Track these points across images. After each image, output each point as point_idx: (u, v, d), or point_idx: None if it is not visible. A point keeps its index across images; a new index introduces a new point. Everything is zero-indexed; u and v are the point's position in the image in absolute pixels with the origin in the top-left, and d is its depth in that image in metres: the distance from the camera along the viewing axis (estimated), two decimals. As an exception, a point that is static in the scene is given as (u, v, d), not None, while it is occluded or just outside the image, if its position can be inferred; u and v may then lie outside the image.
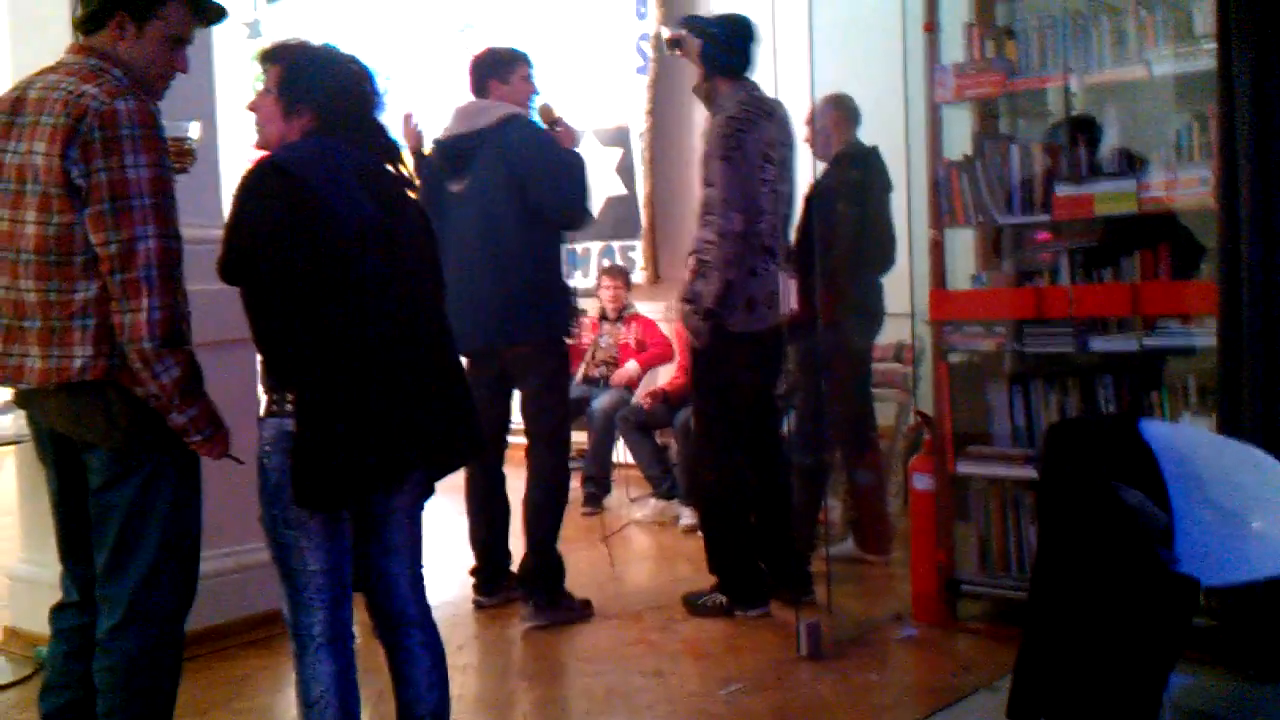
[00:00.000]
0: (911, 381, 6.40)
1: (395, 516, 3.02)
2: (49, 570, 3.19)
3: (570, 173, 5.03)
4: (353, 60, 3.01)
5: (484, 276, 4.91)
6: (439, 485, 3.12)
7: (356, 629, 3.00)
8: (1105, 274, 4.48)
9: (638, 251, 8.49)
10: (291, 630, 2.92)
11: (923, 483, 4.83)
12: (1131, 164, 4.50)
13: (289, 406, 2.80)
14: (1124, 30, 4.52)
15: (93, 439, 2.87)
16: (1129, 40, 4.51)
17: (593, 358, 7.69)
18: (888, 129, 5.35)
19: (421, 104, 5.64)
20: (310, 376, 2.77)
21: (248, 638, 4.75)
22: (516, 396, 5.22)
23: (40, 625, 3.20)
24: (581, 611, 5.11)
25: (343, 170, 2.85)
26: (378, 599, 3.06)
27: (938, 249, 4.78)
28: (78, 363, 2.80)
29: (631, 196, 8.42)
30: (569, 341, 5.28)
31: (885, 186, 5.68)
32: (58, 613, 3.09)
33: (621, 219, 8.45)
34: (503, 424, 5.25)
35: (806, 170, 5.39)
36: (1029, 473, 4.48)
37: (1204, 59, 4.20)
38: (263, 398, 2.90)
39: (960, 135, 4.95)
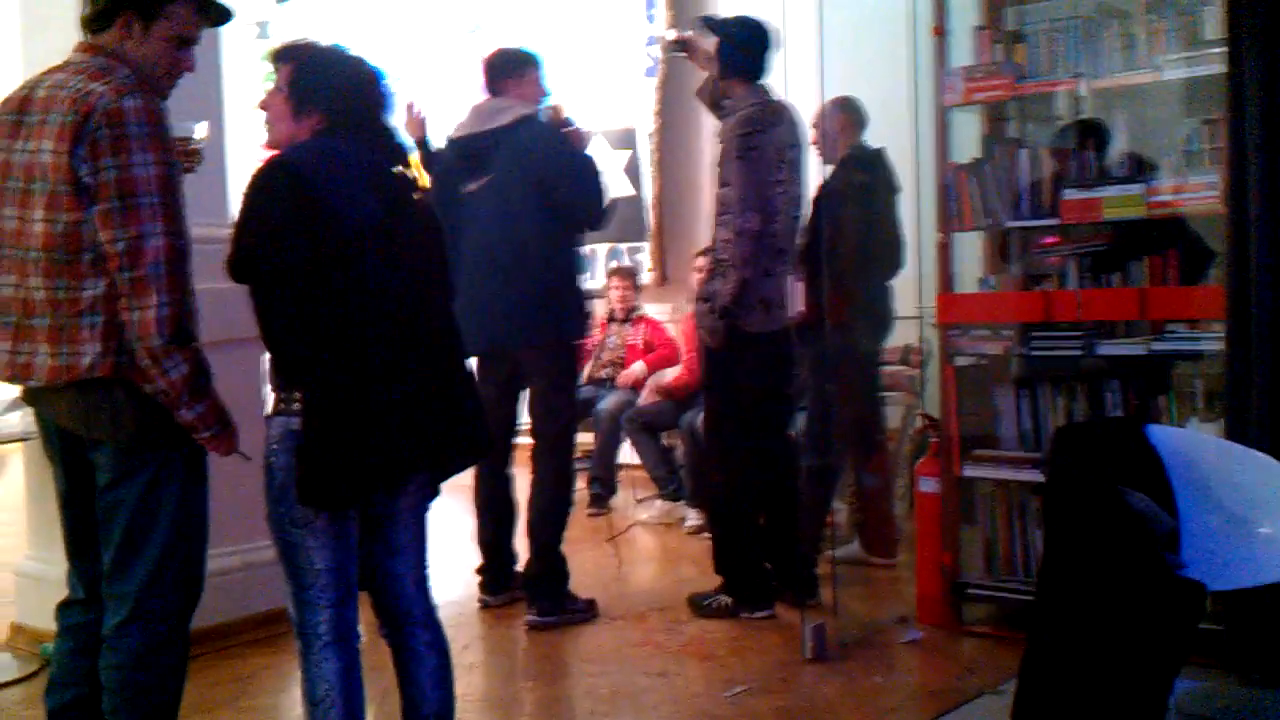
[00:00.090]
0: (919, 384, 6.40)
1: (401, 516, 3.03)
2: (56, 567, 3.19)
3: (590, 174, 5.04)
4: (362, 61, 3.02)
5: (502, 277, 4.90)
6: (445, 485, 3.12)
7: (361, 628, 3.00)
8: (1113, 278, 4.47)
9: (644, 253, 8.49)
10: (297, 629, 2.92)
11: (929, 485, 4.83)
12: (1140, 169, 4.49)
13: (296, 405, 2.80)
14: (1133, 35, 4.51)
15: (100, 436, 2.88)
16: (1138, 45, 4.50)
17: (599, 358, 7.70)
18: (896, 132, 5.36)
19: (430, 104, 5.63)
20: (316, 376, 2.78)
21: (253, 636, 4.75)
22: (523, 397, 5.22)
23: (46, 622, 3.20)
24: (586, 612, 5.11)
25: (351, 171, 2.86)
26: (383, 598, 3.06)
27: (945, 252, 4.78)
28: (86, 360, 2.81)
29: (639, 198, 8.42)
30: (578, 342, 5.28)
31: (892, 189, 5.69)
32: (64, 610, 3.10)
33: (629, 220, 8.45)
34: (511, 425, 5.24)
35: (814, 173, 5.39)
36: (1035, 476, 4.47)
37: (1213, 64, 4.19)
38: (270, 396, 2.91)
39: (969, 139, 4.96)
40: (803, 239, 5.24)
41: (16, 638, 4.83)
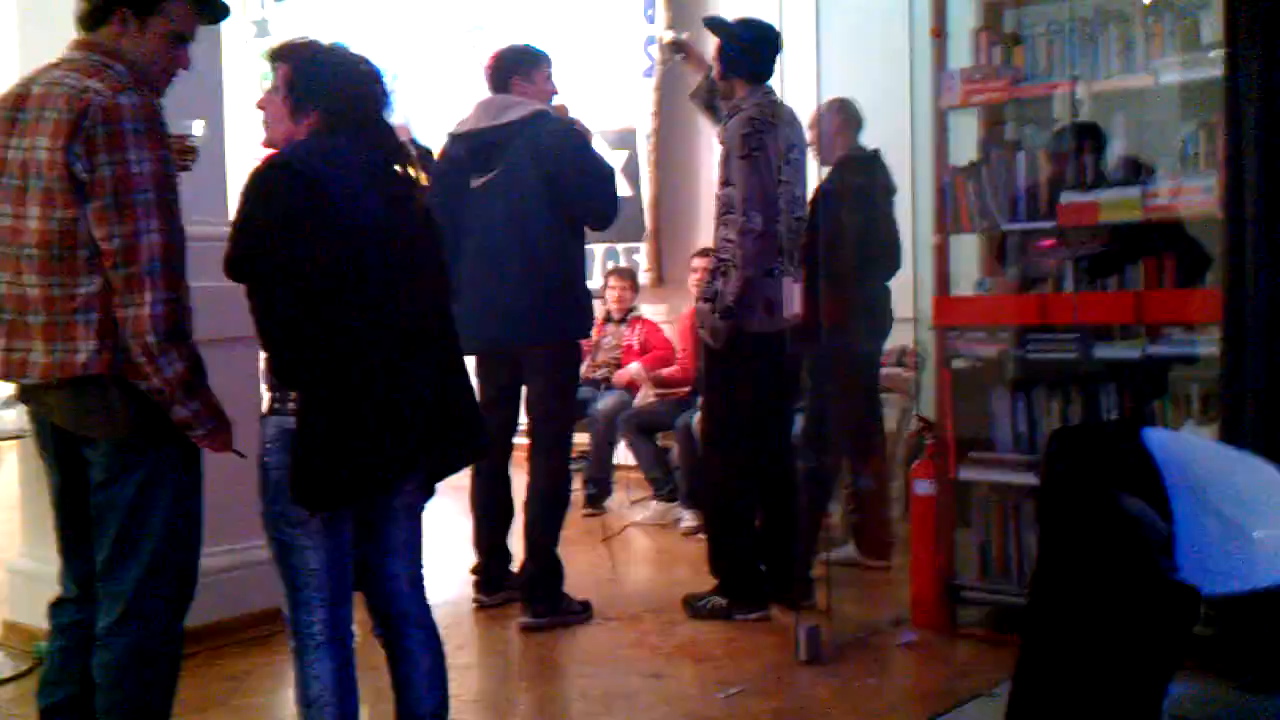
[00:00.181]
0: (914, 386, 6.40)
1: (396, 516, 3.03)
2: (49, 565, 3.19)
3: (604, 170, 5.04)
4: (361, 60, 3.02)
5: (508, 274, 4.89)
6: (440, 485, 3.12)
7: (356, 628, 3.00)
8: (1109, 282, 4.47)
9: (641, 254, 8.49)
10: (291, 628, 2.92)
11: (924, 488, 4.83)
12: (1137, 172, 4.49)
13: (291, 405, 2.80)
14: (1132, 38, 4.52)
15: (95, 434, 2.88)
16: (1136, 48, 4.51)
17: (594, 359, 7.69)
18: (894, 134, 5.36)
19: (430, 103, 5.63)
20: (313, 375, 2.78)
21: (247, 635, 4.74)
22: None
23: (40, 620, 3.20)
24: (581, 613, 5.11)
25: (350, 170, 2.85)
26: (378, 598, 3.06)
27: (942, 254, 4.78)
28: (81, 357, 2.80)
29: (636, 198, 8.42)
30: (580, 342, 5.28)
31: (888, 190, 5.69)
32: (56, 608, 3.09)
33: (626, 221, 8.42)
34: (512, 425, 5.23)
35: (811, 175, 5.39)
36: (1030, 479, 4.47)
37: (1211, 68, 4.19)
38: (266, 395, 2.90)
39: (966, 141, 4.96)
40: (801, 240, 5.25)
41: (10, 636, 4.82)
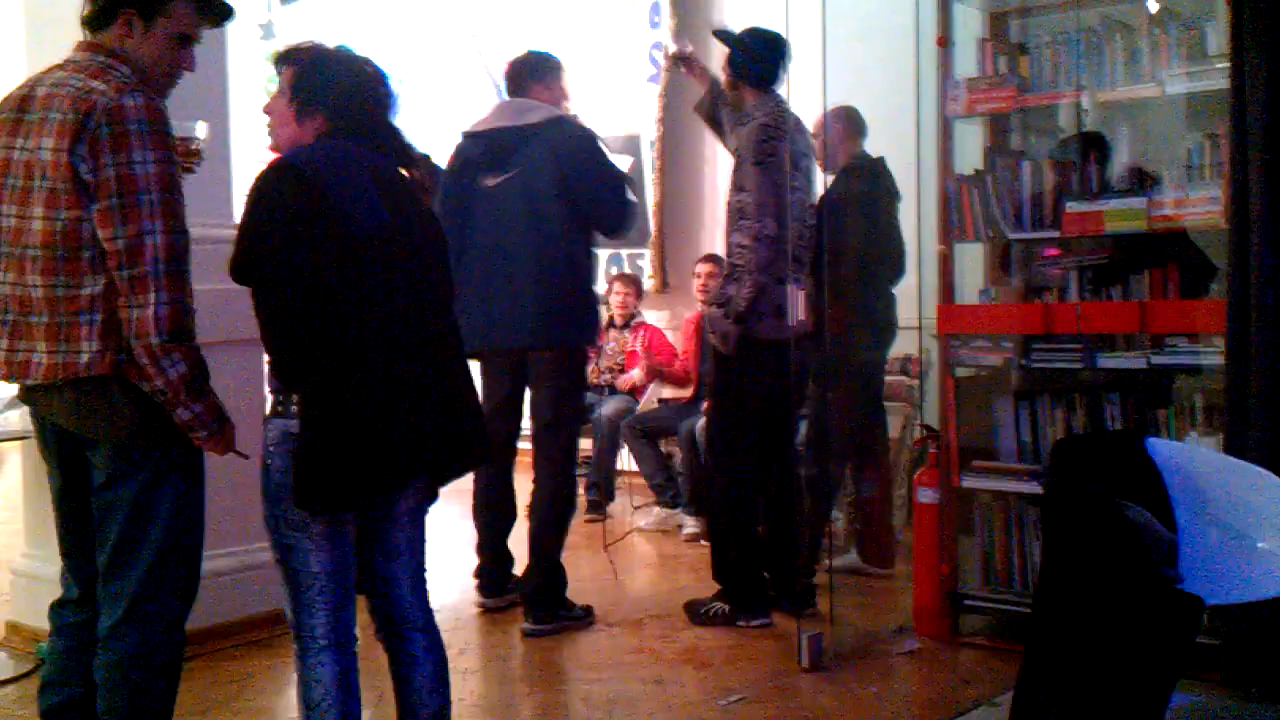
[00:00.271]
0: (918, 394, 6.40)
1: (399, 520, 3.02)
2: (52, 566, 3.19)
3: (622, 178, 5.05)
4: (367, 62, 3.02)
5: (522, 275, 4.89)
6: (443, 488, 3.12)
7: (358, 631, 3.00)
8: (1114, 292, 4.48)
9: (645, 259, 8.49)
10: (294, 631, 2.92)
11: (927, 496, 4.83)
12: (1142, 182, 4.50)
13: (293, 408, 2.80)
14: (1137, 48, 4.52)
15: (97, 435, 2.88)
16: (1142, 58, 4.51)
17: (597, 364, 7.69)
18: (899, 142, 5.36)
19: (433, 108, 5.63)
20: (316, 378, 2.78)
21: (250, 638, 4.75)
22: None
23: (42, 621, 3.20)
24: (583, 618, 5.11)
25: (355, 173, 2.86)
26: (380, 602, 3.06)
27: (946, 263, 4.78)
28: (84, 358, 2.81)
29: (641, 204, 8.42)
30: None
31: (892, 197, 5.70)
32: (57, 609, 3.09)
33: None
34: (515, 429, 5.23)
35: (815, 182, 5.39)
36: (1034, 488, 4.47)
37: (1216, 78, 4.20)
38: (269, 398, 2.91)
39: (971, 150, 4.96)
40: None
41: (12, 636, 4.83)
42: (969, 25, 4.92)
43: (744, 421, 5.04)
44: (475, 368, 3.77)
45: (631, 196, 5.12)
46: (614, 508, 7.41)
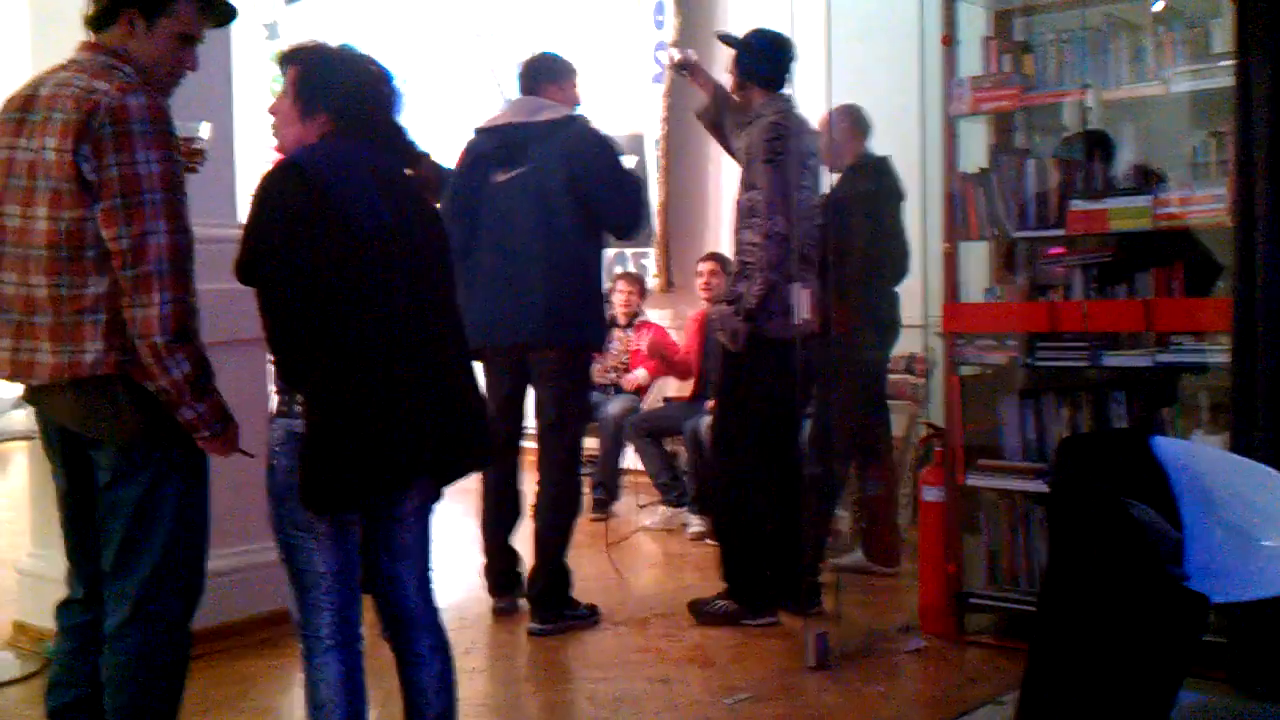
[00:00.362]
0: (923, 393, 6.40)
1: (404, 519, 3.02)
2: (58, 566, 3.19)
3: (634, 180, 5.05)
4: (370, 61, 3.01)
5: (530, 272, 4.88)
6: (448, 488, 3.12)
7: (364, 631, 3.00)
8: (1119, 290, 4.47)
9: (649, 259, 8.50)
10: (299, 631, 2.93)
11: (932, 494, 4.83)
12: (1147, 180, 4.49)
13: (298, 408, 2.80)
14: (1142, 47, 4.52)
15: (101, 435, 2.88)
16: (1147, 57, 4.51)
17: (602, 363, 7.69)
18: (904, 141, 5.36)
19: (439, 106, 5.64)
20: (320, 379, 2.78)
21: (256, 637, 4.75)
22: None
23: (49, 621, 3.20)
24: (588, 617, 5.11)
25: (359, 173, 2.86)
26: (386, 602, 3.06)
27: (951, 261, 4.78)
28: (88, 358, 2.81)
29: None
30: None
31: (897, 196, 5.70)
32: (64, 609, 3.10)
33: (635, 225, 8.45)
34: (519, 428, 5.22)
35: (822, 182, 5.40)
36: (1039, 486, 4.47)
37: (1221, 77, 4.19)
38: (274, 398, 2.91)
39: (976, 148, 4.96)
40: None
41: (19, 636, 4.83)
42: (973, 24, 4.92)
43: (751, 420, 5.04)
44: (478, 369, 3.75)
45: (643, 198, 5.12)
46: (619, 507, 7.41)
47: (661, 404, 7.49)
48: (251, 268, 2.84)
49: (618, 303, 7.77)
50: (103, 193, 2.76)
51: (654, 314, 8.04)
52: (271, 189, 2.82)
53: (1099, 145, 4.62)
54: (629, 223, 5.07)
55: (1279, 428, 3.89)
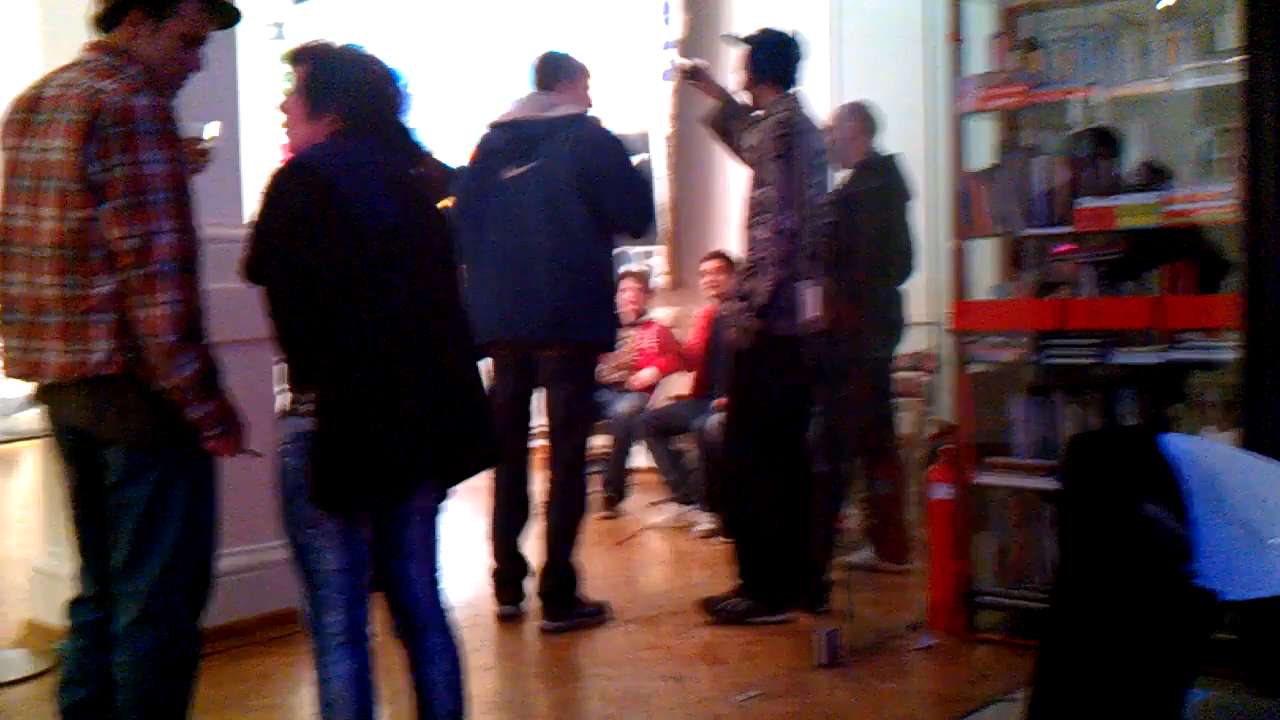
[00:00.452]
0: (932, 390, 6.40)
1: (411, 519, 3.03)
2: (69, 564, 3.20)
3: (644, 180, 5.05)
4: (376, 61, 3.02)
5: (538, 268, 4.88)
6: (455, 489, 3.13)
7: (375, 628, 3.01)
8: (1128, 287, 4.47)
9: (656, 256, 8.50)
10: (309, 629, 2.93)
11: (942, 492, 4.82)
12: (1155, 177, 4.49)
13: (307, 407, 2.81)
14: (1148, 44, 4.51)
15: (110, 434, 2.89)
16: (1153, 54, 4.51)
17: (610, 362, 7.69)
18: (911, 138, 5.36)
19: (447, 105, 5.63)
20: (329, 379, 2.78)
21: (265, 635, 4.76)
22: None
23: (61, 619, 3.21)
24: (597, 614, 5.12)
25: (367, 172, 2.86)
26: (396, 601, 3.07)
27: (959, 259, 4.78)
28: (96, 357, 2.81)
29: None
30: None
31: (905, 195, 5.70)
32: (74, 607, 3.10)
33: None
34: (527, 427, 5.22)
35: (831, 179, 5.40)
36: (1048, 484, 4.46)
37: (1227, 73, 4.19)
38: (281, 398, 2.91)
39: (983, 146, 4.96)
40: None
41: (32, 635, 4.84)
42: (980, 21, 4.91)
43: (761, 417, 5.04)
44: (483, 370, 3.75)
45: (653, 197, 5.12)
46: (628, 505, 7.42)
47: (670, 402, 7.49)
48: (257, 267, 2.84)
49: (624, 301, 7.77)
50: (109, 193, 2.76)
51: (662, 312, 8.04)
52: (277, 188, 2.83)
53: (1106, 142, 4.62)
54: (638, 221, 5.08)
55: (1289, 424, 3.89)
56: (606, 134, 5.04)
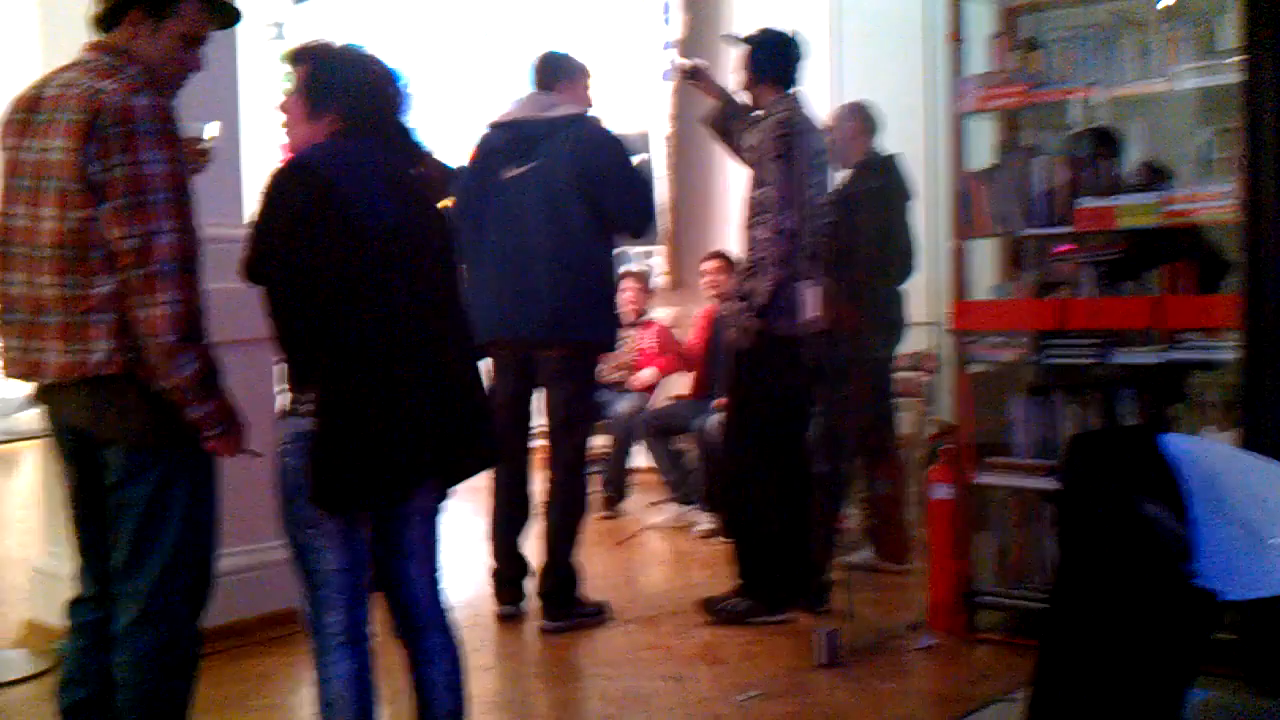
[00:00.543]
0: (932, 390, 6.40)
1: (411, 519, 3.03)
2: (69, 564, 3.20)
3: (644, 180, 5.05)
4: (374, 60, 3.02)
5: (538, 269, 4.88)
6: (455, 489, 3.13)
7: (375, 628, 3.01)
8: (1128, 287, 4.47)
9: (656, 257, 8.50)
10: (310, 629, 2.93)
11: (941, 492, 4.82)
12: (1155, 177, 4.49)
13: (307, 407, 2.81)
14: (1148, 44, 4.52)
15: (110, 434, 2.88)
16: (1154, 54, 4.51)
17: (610, 362, 7.69)
18: (911, 139, 5.36)
19: (447, 105, 5.63)
20: (329, 379, 2.78)
21: (265, 635, 4.76)
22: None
23: (61, 618, 3.21)
24: (597, 614, 5.12)
25: (367, 172, 2.86)
26: (396, 601, 3.07)
27: (959, 259, 4.78)
28: (96, 357, 2.81)
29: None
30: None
31: (905, 195, 5.70)
32: (74, 607, 3.10)
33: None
34: (527, 427, 5.22)
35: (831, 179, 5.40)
36: (1048, 484, 4.46)
37: (1227, 74, 4.19)
38: (281, 398, 2.91)
39: (983, 146, 4.96)
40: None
41: (31, 634, 4.84)
42: (980, 21, 4.91)
43: (761, 417, 5.04)
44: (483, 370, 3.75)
45: (653, 197, 5.12)
46: (628, 505, 7.42)
47: (670, 402, 7.49)
48: (257, 267, 2.85)
49: (624, 301, 7.77)
50: (109, 193, 2.76)
51: (662, 312, 8.04)
52: (277, 188, 2.83)
53: (1106, 142, 4.62)
54: (638, 221, 5.07)
55: (1289, 424, 3.89)
56: (606, 134, 5.04)
